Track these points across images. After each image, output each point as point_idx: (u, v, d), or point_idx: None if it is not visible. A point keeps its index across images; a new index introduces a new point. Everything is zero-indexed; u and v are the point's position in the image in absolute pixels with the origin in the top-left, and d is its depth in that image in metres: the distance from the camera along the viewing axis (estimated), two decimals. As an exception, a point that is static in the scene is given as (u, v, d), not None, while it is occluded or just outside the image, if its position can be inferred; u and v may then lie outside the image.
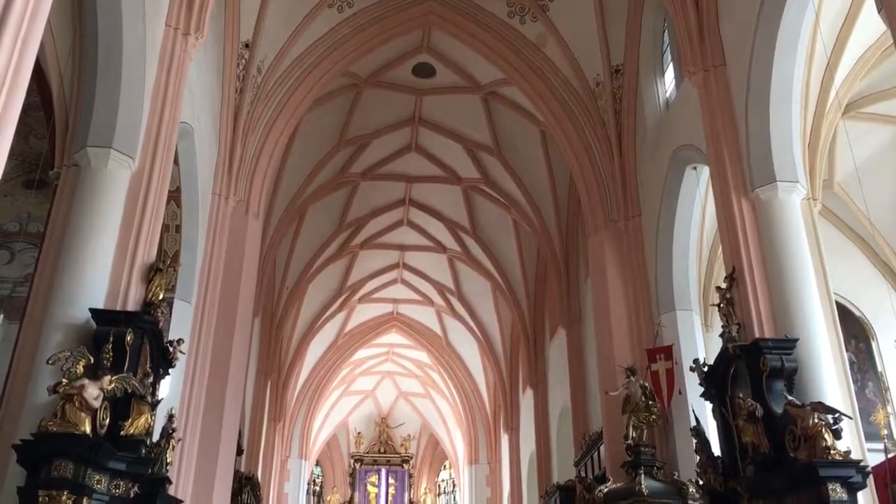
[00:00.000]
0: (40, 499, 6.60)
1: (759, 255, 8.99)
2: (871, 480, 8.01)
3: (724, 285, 9.26)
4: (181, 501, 9.17)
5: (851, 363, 11.97)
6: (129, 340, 7.64)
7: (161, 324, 8.46)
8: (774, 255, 8.91)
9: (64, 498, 6.63)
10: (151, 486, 7.82)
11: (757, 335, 8.48)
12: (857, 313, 14.33)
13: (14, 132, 4.38)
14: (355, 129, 19.37)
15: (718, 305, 9.20)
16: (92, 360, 7.24)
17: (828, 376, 8.25)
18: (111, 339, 7.48)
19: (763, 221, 9.14)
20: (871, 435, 9.72)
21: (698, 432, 9.49)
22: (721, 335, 9.00)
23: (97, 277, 7.93)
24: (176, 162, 10.40)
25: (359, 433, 33.24)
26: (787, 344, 8.19)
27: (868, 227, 13.85)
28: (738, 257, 9.17)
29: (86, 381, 6.99)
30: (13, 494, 6.82)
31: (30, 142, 12.10)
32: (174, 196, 11.19)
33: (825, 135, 10.86)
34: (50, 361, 7.08)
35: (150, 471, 7.79)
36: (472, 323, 26.70)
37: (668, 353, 11.86)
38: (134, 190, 8.56)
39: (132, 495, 7.40)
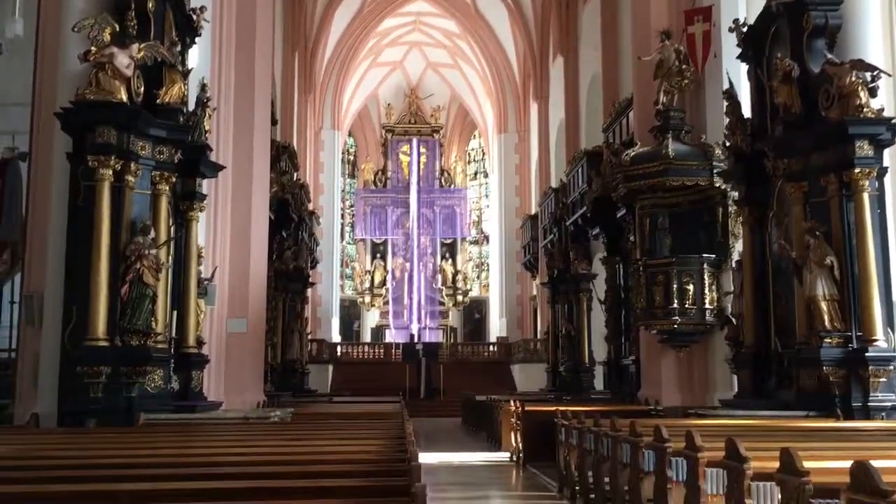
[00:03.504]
0: (90, 163, 6.93)
1: None
2: (899, 138, 8.06)
3: (775, -64, 8.61)
4: (223, 167, 9.57)
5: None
6: (152, 7, 7.56)
7: (181, -11, 8.23)
8: None
9: (112, 162, 6.96)
10: (193, 152, 8.13)
11: (804, -9, 8.05)
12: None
13: None
14: None
15: (766, -41, 8.64)
16: (117, 28, 7.19)
17: (872, 34, 7.97)
18: (133, 5, 7.38)
19: None
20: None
21: (730, 94, 9.42)
22: (765, -8, 8.58)
23: (109, -61, 7.55)
24: None
25: (389, 104, 33.52)
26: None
27: None
28: None
29: (115, 49, 7.01)
30: (64, 161, 7.15)
31: None
32: None
33: None
34: (75, 29, 7.05)
35: (189, 138, 8.04)
36: (502, -13, 25.57)
37: (708, 14, 11.39)
38: None
39: (176, 161, 7.73)
